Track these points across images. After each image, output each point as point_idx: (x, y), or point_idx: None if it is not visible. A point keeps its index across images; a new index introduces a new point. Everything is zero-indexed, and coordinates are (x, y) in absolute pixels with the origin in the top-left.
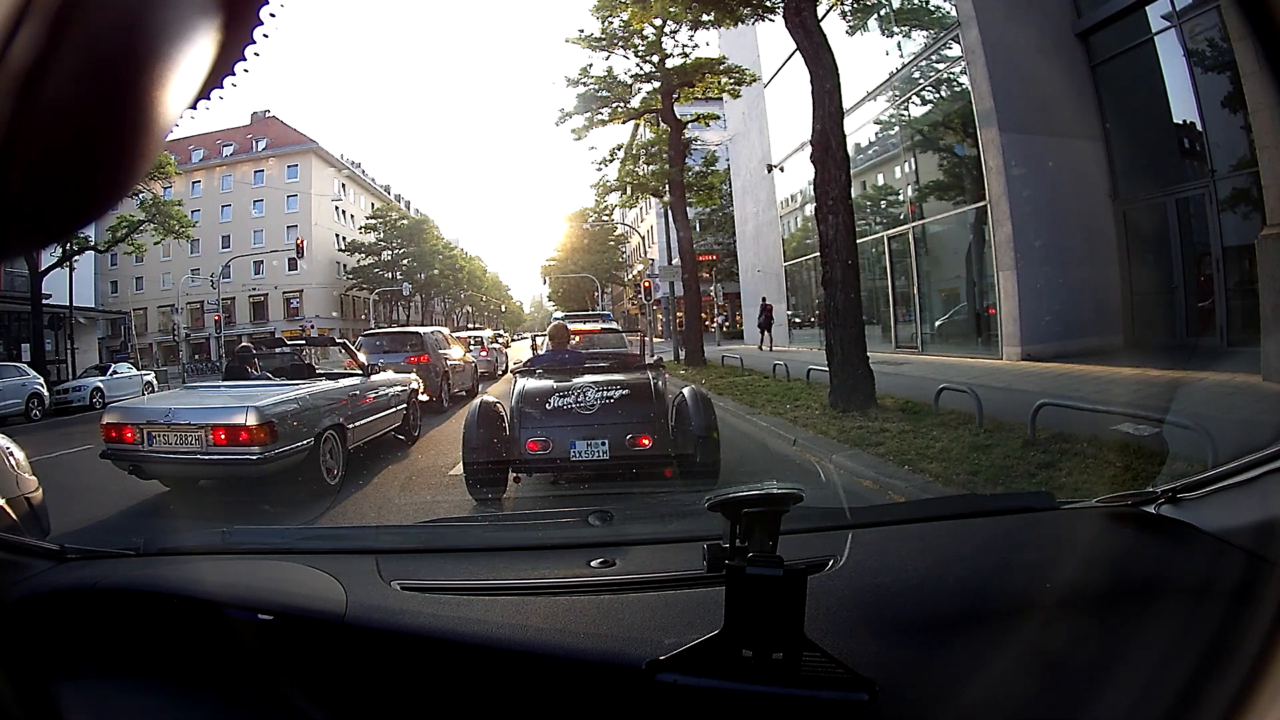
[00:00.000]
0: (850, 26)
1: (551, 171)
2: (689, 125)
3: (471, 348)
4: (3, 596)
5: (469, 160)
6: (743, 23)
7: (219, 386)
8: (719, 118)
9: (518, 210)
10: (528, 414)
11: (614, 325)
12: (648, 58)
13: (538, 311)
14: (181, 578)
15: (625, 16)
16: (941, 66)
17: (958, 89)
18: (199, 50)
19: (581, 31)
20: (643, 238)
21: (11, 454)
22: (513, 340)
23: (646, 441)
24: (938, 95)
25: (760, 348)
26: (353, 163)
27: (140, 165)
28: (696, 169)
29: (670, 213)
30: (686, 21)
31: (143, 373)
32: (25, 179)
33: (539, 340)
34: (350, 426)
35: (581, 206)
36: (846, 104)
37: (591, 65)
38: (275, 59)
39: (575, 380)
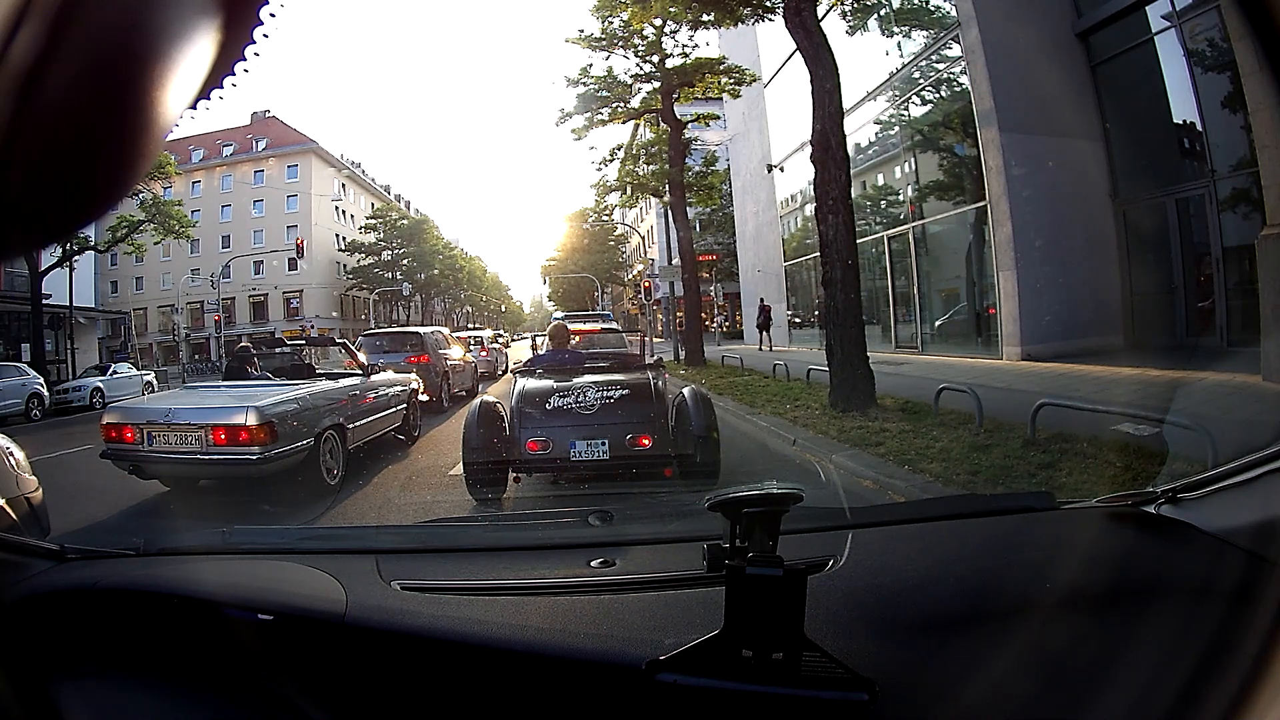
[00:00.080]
0: (850, 26)
1: (551, 171)
2: (689, 125)
3: (471, 348)
4: (3, 596)
5: (469, 160)
6: (743, 23)
7: (219, 386)
8: (719, 118)
9: (518, 210)
10: (528, 414)
11: (614, 325)
12: (648, 58)
13: (538, 311)
14: (181, 578)
15: (625, 16)
16: (941, 66)
17: (958, 89)
18: (199, 50)
19: (581, 31)
20: (643, 238)
21: (11, 454)
22: (513, 340)
23: (646, 441)
24: (938, 95)
25: (760, 348)
26: (353, 163)
27: (140, 165)
28: (696, 169)
29: (670, 213)
30: (686, 21)
31: (143, 373)
32: (25, 179)
33: (539, 340)
34: (350, 426)
35: (581, 206)
36: (846, 104)
37: (591, 65)
38: (275, 59)
39: (575, 380)
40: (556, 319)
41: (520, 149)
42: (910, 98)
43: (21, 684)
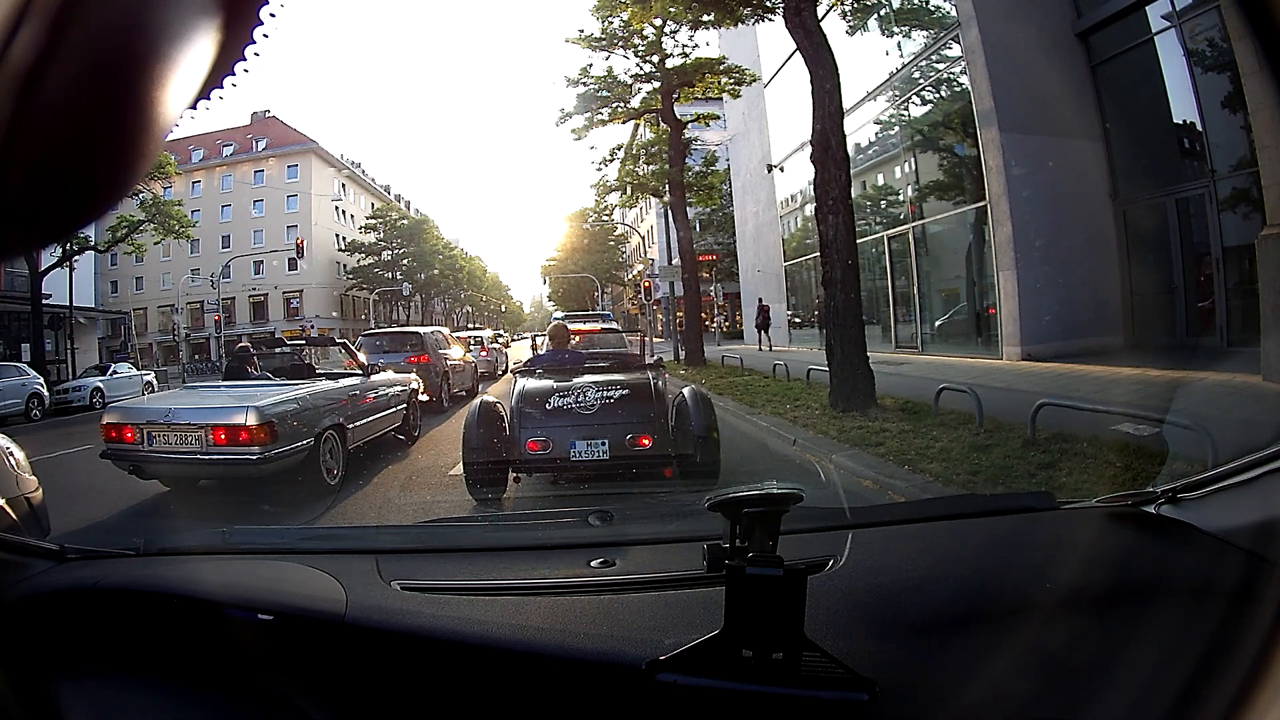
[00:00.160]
0: (850, 26)
1: (551, 171)
2: (689, 125)
3: (471, 348)
4: (3, 596)
5: (469, 160)
6: (743, 23)
7: (219, 386)
8: (719, 118)
9: (518, 210)
10: (528, 414)
11: (614, 325)
12: (648, 58)
13: (538, 311)
14: (181, 578)
15: (625, 16)
16: (941, 66)
17: (958, 89)
18: (199, 50)
19: (581, 31)
20: (643, 238)
21: (11, 454)
22: (513, 340)
23: (646, 441)
24: (938, 95)
25: (760, 348)
26: (353, 163)
27: (140, 165)
28: (696, 169)
29: (670, 213)
30: (686, 21)
31: (143, 373)
32: (25, 179)
33: (539, 340)
34: (350, 426)
35: (581, 206)
36: (846, 104)
37: (591, 65)
38: (275, 59)
39: (575, 380)
40: (556, 319)
41: (520, 149)
42: (910, 98)
43: (21, 684)
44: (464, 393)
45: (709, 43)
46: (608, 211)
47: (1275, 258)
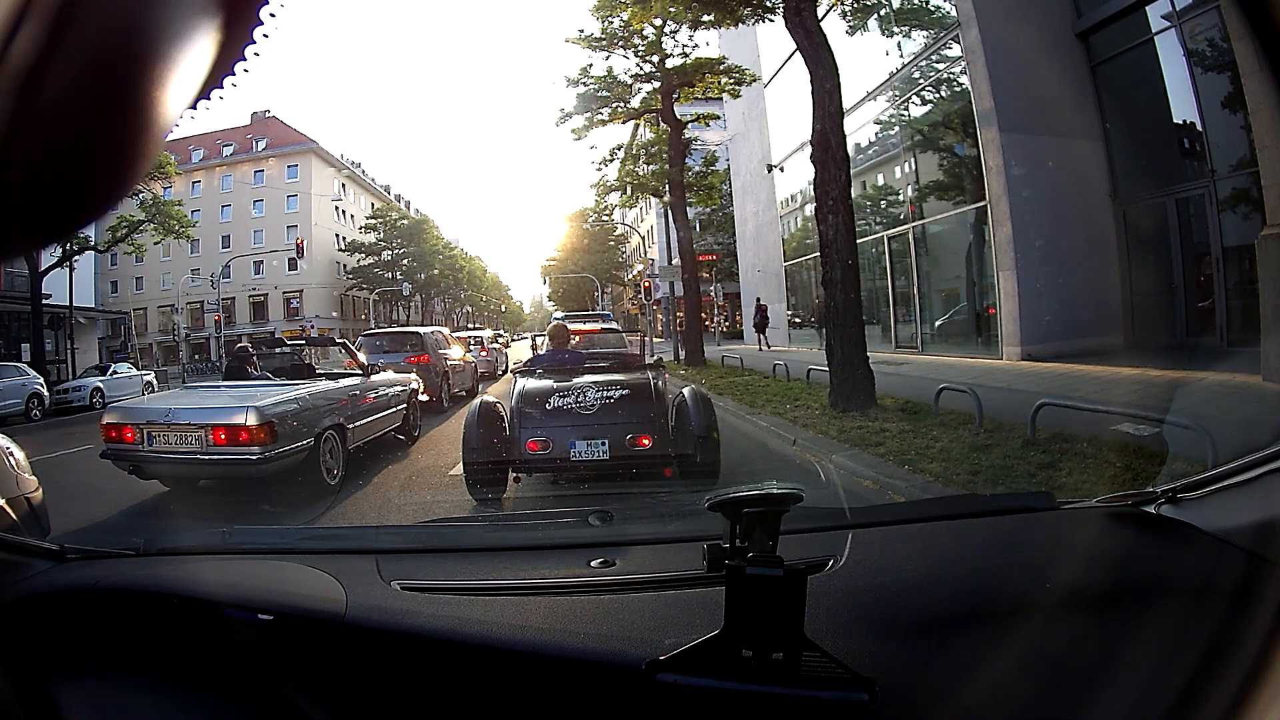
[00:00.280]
0: (850, 26)
1: (551, 171)
2: (689, 125)
3: (471, 348)
4: (3, 596)
5: (469, 160)
6: (743, 23)
7: (219, 386)
8: (719, 118)
9: (518, 210)
10: (528, 414)
11: (614, 325)
12: (648, 58)
13: (538, 311)
14: (181, 578)
15: (625, 16)
16: (941, 66)
17: (958, 89)
18: (199, 50)
19: (581, 31)
20: (643, 238)
21: (11, 454)
22: (513, 340)
23: (646, 441)
24: (938, 95)
25: (760, 348)
26: (353, 163)
27: (140, 165)
28: (696, 169)
29: (670, 213)
30: (686, 21)
31: (143, 373)
32: (25, 179)
33: (539, 340)
34: (350, 426)
35: (581, 206)
36: (846, 104)
37: (591, 65)
38: (275, 59)
39: (575, 380)
40: (556, 319)
41: (520, 149)
42: (910, 98)
43: (21, 684)
44: (464, 393)
45: (709, 43)
46: (608, 211)
47: (1275, 258)
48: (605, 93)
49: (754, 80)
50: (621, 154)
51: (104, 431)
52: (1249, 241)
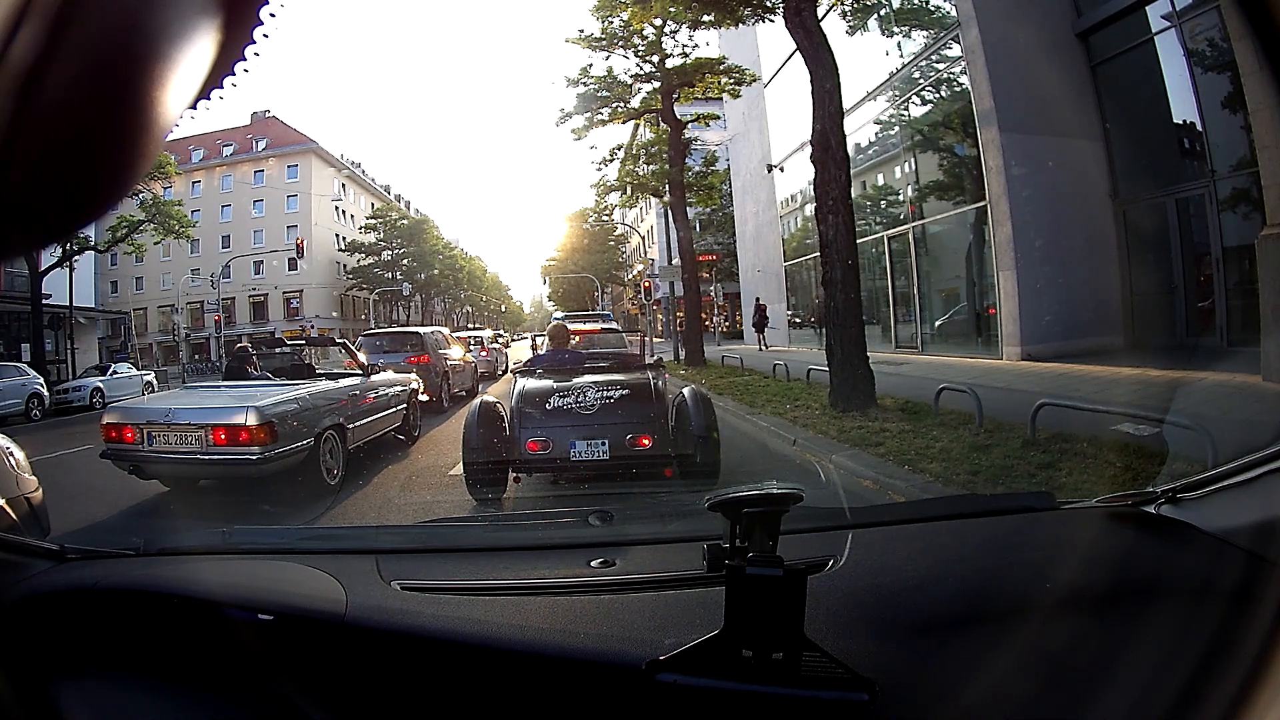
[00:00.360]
0: (850, 26)
1: (551, 171)
2: (689, 125)
3: (471, 348)
4: (3, 596)
5: (469, 160)
6: (743, 23)
7: (219, 386)
8: (719, 118)
9: (518, 210)
10: (528, 414)
11: (614, 325)
12: (648, 58)
13: (538, 311)
14: (181, 578)
15: (625, 16)
16: (941, 66)
17: (958, 89)
18: (199, 50)
19: (581, 31)
20: (643, 238)
21: (11, 454)
22: (513, 340)
23: (646, 441)
24: (938, 95)
25: (760, 348)
26: (353, 163)
27: (140, 165)
28: (696, 169)
29: (670, 213)
30: (686, 21)
31: (143, 373)
32: (25, 179)
33: (539, 340)
34: (350, 426)
35: (581, 206)
36: (846, 104)
37: (591, 65)
38: (275, 59)
39: (575, 380)
40: (556, 319)
41: (520, 149)
42: (910, 98)
43: (21, 684)
44: (464, 393)
45: (709, 43)
46: (608, 211)
47: (1275, 258)
48: (605, 93)
49: (754, 80)
50: (621, 154)
51: (104, 431)
52: (1249, 241)
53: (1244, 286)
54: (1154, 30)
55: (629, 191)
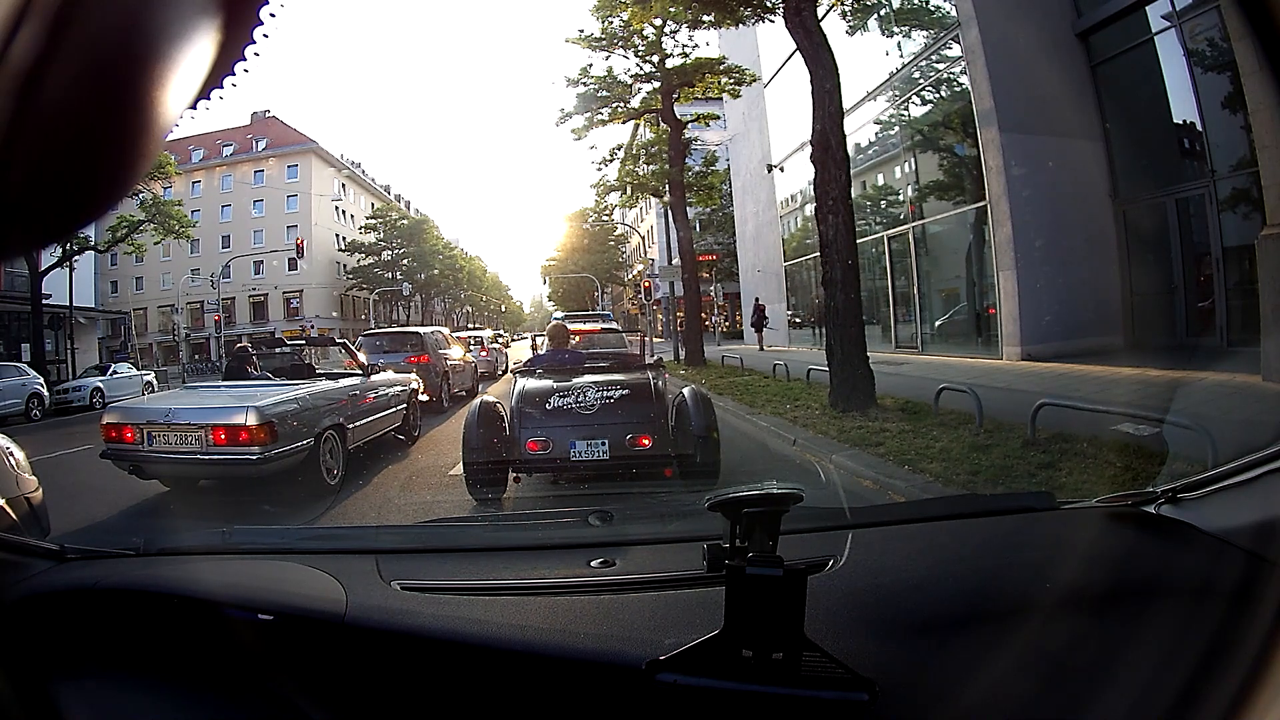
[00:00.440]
0: (850, 26)
1: (551, 171)
2: (689, 125)
3: (471, 348)
4: (3, 596)
5: (469, 160)
6: (743, 23)
7: (219, 386)
8: (719, 118)
9: (518, 210)
10: (528, 414)
11: (614, 325)
12: (648, 58)
13: (538, 311)
14: (181, 578)
15: (625, 16)
16: (941, 66)
17: (958, 89)
18: (199, 50)
19: (581, 31)
20: (643, 238)
21: (11, 454)
22: (513, 340)
23: (646, 441)
24: (938, 95)
25: (760, 348)
26: (353, 163)
27: (140, 165)
28: (696, 169)
29: (670, 213)
30: (686, 21)
31: (143, 373)
32: (25, 179)
33: (539, 340)
34: (350, 426)
35: (581, 206)
36: (846, 104)
37: (591, 65)
38: (275, 59)
39: (575, 380)
40: (556, 319)
41: (520, 149)
42: (910, 98)
43: (21, 684)
44: (464, 393)
45: (709, 43)
46: (608, 211)
47: (1275, 258)
48: (605, 93)
49: (754, 80)
50: (621, 154)
51: (104, 431)
52: (1249, 241)
53: (1244, 286)
54: (1154, 30)
55: (629, 191)
